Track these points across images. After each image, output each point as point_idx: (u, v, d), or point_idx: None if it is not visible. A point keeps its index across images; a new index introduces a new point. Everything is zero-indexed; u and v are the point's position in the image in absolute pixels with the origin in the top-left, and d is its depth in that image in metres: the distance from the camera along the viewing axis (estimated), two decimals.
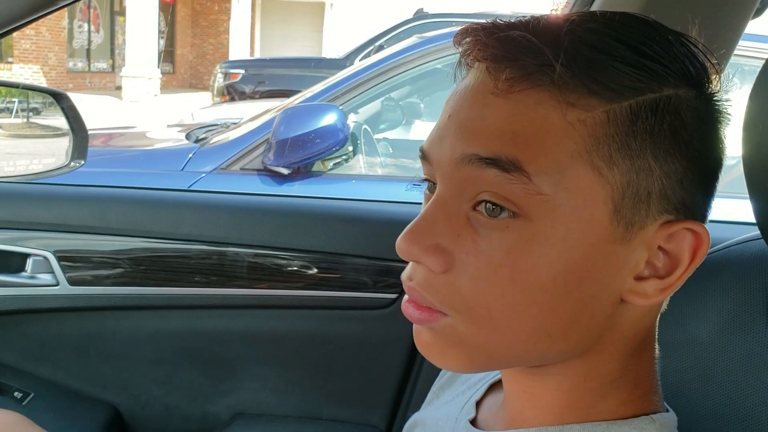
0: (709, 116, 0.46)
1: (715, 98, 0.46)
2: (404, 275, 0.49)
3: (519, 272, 0.44)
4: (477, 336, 0.46)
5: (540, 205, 0.43)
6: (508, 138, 0.43)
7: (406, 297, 0.49)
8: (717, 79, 0.46)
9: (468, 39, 0.46)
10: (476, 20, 0.49)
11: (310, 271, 1.25)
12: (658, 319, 0.51)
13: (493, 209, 0.44)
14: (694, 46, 0.46)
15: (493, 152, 0.43)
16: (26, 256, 1.28)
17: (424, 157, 0.49)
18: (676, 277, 0.46)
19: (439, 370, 0.74)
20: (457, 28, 0.48)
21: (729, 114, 0.47)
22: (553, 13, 0.54)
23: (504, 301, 0.44)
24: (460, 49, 0.48)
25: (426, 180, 0.51)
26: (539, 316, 0.45)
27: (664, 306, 0.51)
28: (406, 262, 0.50)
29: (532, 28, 0.44)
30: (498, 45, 0.44)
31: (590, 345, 0.47)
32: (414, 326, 0.50)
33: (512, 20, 0.45)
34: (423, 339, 0.49)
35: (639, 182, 0.44)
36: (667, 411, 0.51)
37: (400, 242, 0.47)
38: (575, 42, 0.43)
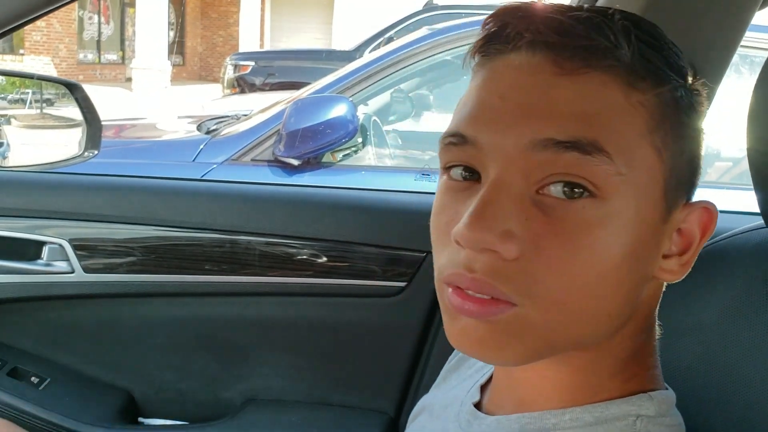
0: (697, 105, 0.48)
1: (695, 91, 0.48)
2: (457, 269, 0.45)
3: (596, 253, 0.43)
4: (546, 323, 0.44)
5: (619, 185, 0.43)
6: (582, 119, 0.43)
7: (449, 291, 0.46)
8: (693, 74, 0.49)
9: (516, 19, 0.45)
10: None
11: (321, 260, 1.27)
12: None
13: (571, 191, 0.43)
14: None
15: (571, 135, 0.42)
16: (42, 244, 1.30)
17: (465, 141, 0.46)
18: (692, 253, 0.48)
19: (448, 356, 0.75)
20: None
21: (705, 105, 0.50)
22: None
23: (580, 283, 0.44)
24: (496, 29, 0.47)
25: (452, 166, 0.48)
26: (606, 298, 0.45)
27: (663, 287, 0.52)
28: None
29: (583, 9, 0.45)
30: (561, 26, 0.44)
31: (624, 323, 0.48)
32: (457, 325, 0.46)
33: (549, 4, 0.46)
34: (476, 334, 0.45)
35: (679, 164, 0.46)
36: (666, 389, 0.52)
37: (467, 231, 0.43)
38: (630, 26, 0.44)
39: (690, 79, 0.47)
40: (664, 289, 0.52)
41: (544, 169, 0.43)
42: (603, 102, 0.43)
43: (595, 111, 0.43)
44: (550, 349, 0.46)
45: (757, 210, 0.70)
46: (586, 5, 0.46)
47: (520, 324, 0.44)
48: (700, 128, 0.48)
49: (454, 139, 0.46)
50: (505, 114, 0.44)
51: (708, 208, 0.48)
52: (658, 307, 0.52)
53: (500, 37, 0.46)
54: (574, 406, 0.49)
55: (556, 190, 0.43)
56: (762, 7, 0.88)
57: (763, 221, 0.70)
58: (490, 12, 0.48)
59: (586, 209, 0.43)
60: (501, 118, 0.44)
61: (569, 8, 0.45)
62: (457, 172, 0.48)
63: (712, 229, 0.48)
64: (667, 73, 0.45)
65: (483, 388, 0.60)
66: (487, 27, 0.48)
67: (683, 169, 0.47)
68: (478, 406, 0.58)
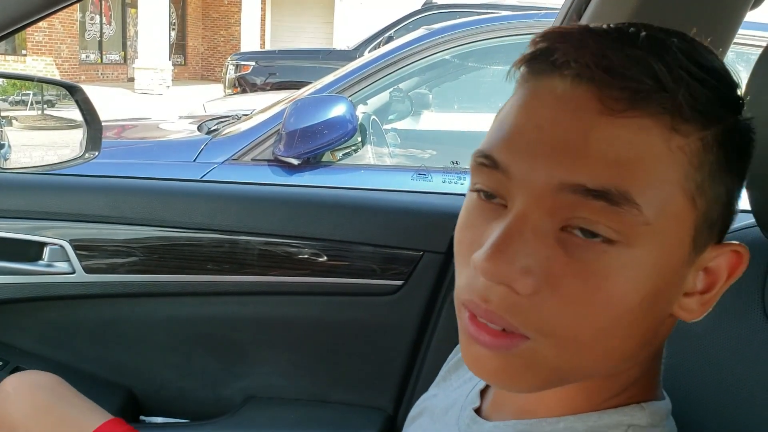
0: (744, 145, 0.46)
1: (745, 128, 0.46)
2: (473, 296, 0.45)
3: (613, 296, 0.43)
4: (558, 358, 0.45)
5: (644, 234, 0.42)
6: (614, 167, 0.41)
7: (466, 315, 0.46)
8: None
9: (564, 45, 0.43)
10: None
11: (319, 259, 1.28)
12: None
13: (593, 234, 0.42)
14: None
15: (601, 184, 0.41)
16: (43, 245, 1.31)
17: (495, 166, 0.45)
18: (715, 293, 0.47)
19: (447, 353, 0.76)
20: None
21: (753, 142, 0.47)
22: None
23: (594, 324, 0.43)
24: (543, 49, 0.45)
25: (481, 190, 0.47)
26: (621, 338, 0.45)
27: None
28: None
29: (637, 43, 0.42)
30: (610, 64, 0.41)
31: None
32: (472, 351, 0.46)
33: (604, 29, 0.43)
34: (490, 365, 0.46)
35: (715, 209, 0.44)
36: (663, 398, 0.52)
37: (487, 264, 0.42)
38: (679, 65, 0.42)
39: (741, 114, 0.45)
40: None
41: (570, 209, 0.42)
42: (641, 149, 0.41)
43: (632, 158, 0.41)
44: (562, 380, 0.47)
45: (748, 207, 0.71)
46: (642, 33, 0.43)
47: (532, 357, 0.44)
48: (744, 169, 0.45)
49: (486, 161, 0.45)
50: (540, 148, 0.43)
51: (738, 252, 0.46)
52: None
53: (546, 59, 0.44)
54: (567, 416, 0.50)
55: (583, 232, 0.43)
56: (754, 7, 0.88)
57: (754, 220, 0.70)
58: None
59: (608, 254, 0.42)
60: (535, 152, 0.43)
61: (622, 40, 0.42)
62: (486, 194, 0.47)
63: (740, 272, 0.47)
64: (715, 114, 0.43)
65: (483, 392, 0.61)
66: (535, 45, 0.46)
67: (718, 213, 0.45)
68: (478, 411, 0.59)
